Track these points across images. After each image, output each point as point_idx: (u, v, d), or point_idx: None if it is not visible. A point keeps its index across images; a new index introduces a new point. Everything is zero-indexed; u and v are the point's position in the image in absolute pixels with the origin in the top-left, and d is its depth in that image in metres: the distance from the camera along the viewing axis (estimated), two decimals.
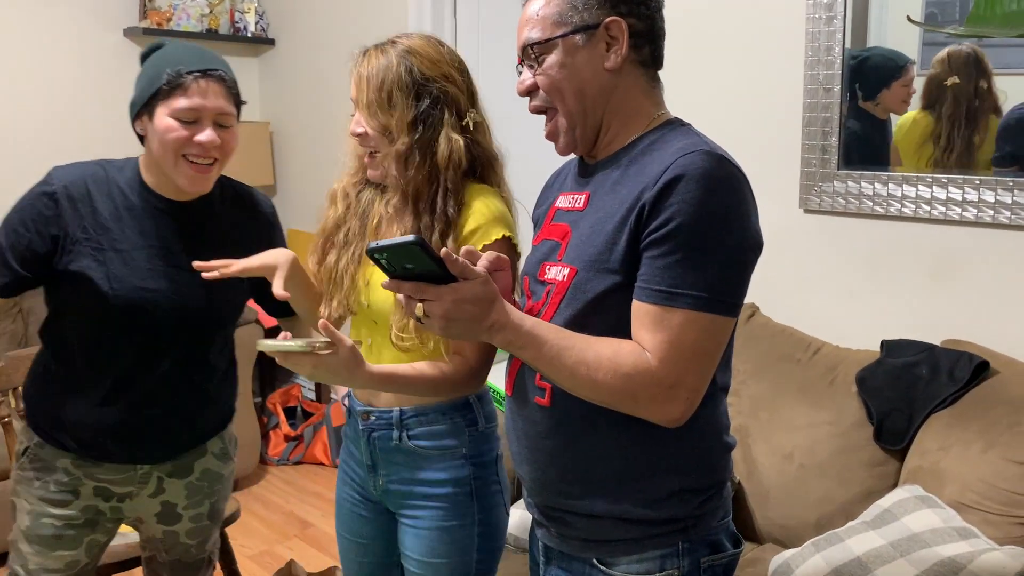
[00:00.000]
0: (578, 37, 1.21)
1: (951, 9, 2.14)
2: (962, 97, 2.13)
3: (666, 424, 1.14)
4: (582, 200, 1.27)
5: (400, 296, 1.14)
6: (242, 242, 1.65)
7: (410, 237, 1.03)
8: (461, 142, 1.51)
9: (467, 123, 1.53)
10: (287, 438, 3.80)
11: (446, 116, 1.50)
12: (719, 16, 2.52)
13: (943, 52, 2.14)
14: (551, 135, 1.29)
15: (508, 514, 1.65)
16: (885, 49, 2.25)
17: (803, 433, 2.12)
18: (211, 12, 3.98)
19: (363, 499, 1.66)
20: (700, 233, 1.09)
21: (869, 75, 2.27)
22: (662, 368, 1.09)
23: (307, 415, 3.91)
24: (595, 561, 1.25)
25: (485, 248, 1.43)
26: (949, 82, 2.13)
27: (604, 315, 1.16)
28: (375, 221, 1.58)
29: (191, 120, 1.53)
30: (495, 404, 2.49)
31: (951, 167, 2.16)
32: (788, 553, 1.89)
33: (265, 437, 3.75)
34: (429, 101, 1.49)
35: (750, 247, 1.14)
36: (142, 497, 1.73)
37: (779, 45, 2.40)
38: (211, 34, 3.99)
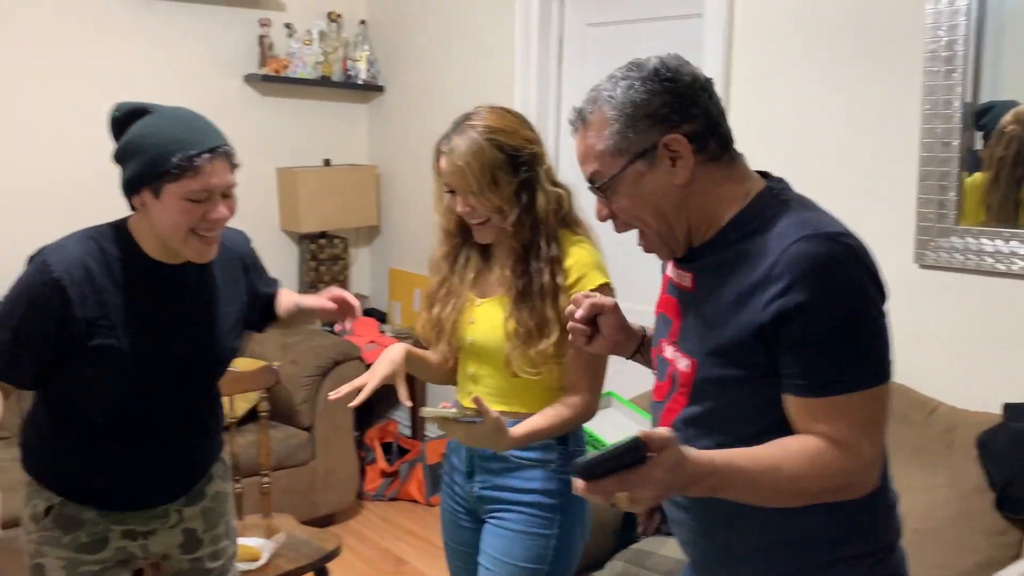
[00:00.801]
0: (640, 164, 1.19)
1: None
2: None
3: (859, 495, 1.15)
4: (689, 280, 1.26)
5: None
6: (234, 282, 1.78)
7: (627, 441, 0.98)
8: (557, 191, 1.71)
9: (547, 170, 1.70)
10: (383, 474, 3.87)
11: (538, 173, 1.68)
12: (832, 70, 2.50)
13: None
14: (648, 250, 1.29)
15: (585, 538, 1.78)
16: (1008, 101, 2.20)
17: (918, 496, 2.05)
18: (325, 60, 4.16)
19: (463, 509, 1.80)
20: (843, 319, 1.10)
21: (991, 128, 2.22)
22: (859, 454, 1.11)
23: (403, 451, 3.97)
24: None
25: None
26: None
27: (735, 407, 1.17)
28: (472, 275, 1.78)
29: (201, 200, 1.54)
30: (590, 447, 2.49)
31: None
32: None
33: (362, 472, 3.82)
34: (524, 168, 1.66)
35: (881, 316, 1.14)
36: (164, 530, 1.78)
37: (894, 98, 2.37)
38: (324, 81, 4.17)
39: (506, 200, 1.65)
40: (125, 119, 1.58)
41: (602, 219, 1.28)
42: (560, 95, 3.53)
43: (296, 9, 4.14)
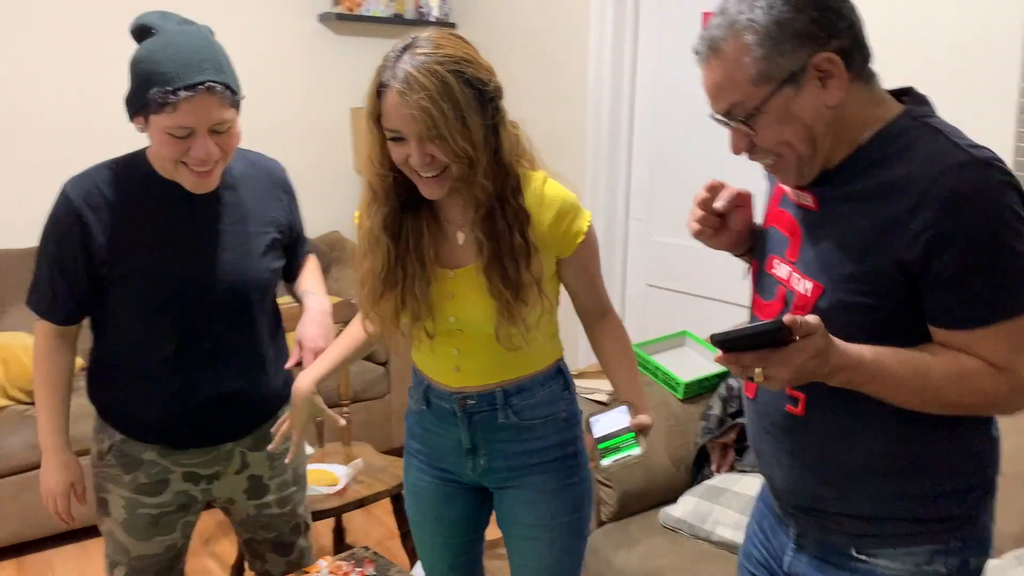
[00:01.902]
0: (788, 89, 1.11)
1: None
2: None
3: (1011, 413, 1.15)
4: (810, 200, 1.20)
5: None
6: (270, 205, 1.73)
7: (773, 322, 1.00)
8: (518, 131, 1.45)
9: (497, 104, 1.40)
10: None
11: (502, 112, 1.41)
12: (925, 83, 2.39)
13: None
14: (774, 171, 1.21)
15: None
16: None
17: (1007, 439, 1.99)
18: None
19: (451, 482, 1.67)
20: (997, 248, 1.06)
21: None
22: (1017, 377, 1.10)
23: None
24: (854, 552, 1.24)
25: (583, 242, 1.52)
26: None
27: (852, 335, 1.10)
28: (432, 250, 1.49)
29: (183, 136, 1.49)
30: (664, 385, 2.47)
31: None
32: (990, 564, 1.79)
33: None
34: (491, 105, 1.38)
35: None
36: (228, 475, 1.77)
37: (988, 114, 2.25)
38: (397, 19, 4.15)
39: (476, 145, 1.35)
40: (135, 34, 1.55)
41: (738, 152, 1.19)
42: (637, 31, 3.44)
43: None
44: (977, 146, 1.09)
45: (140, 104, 1.50)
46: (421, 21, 4.22)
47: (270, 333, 1.77)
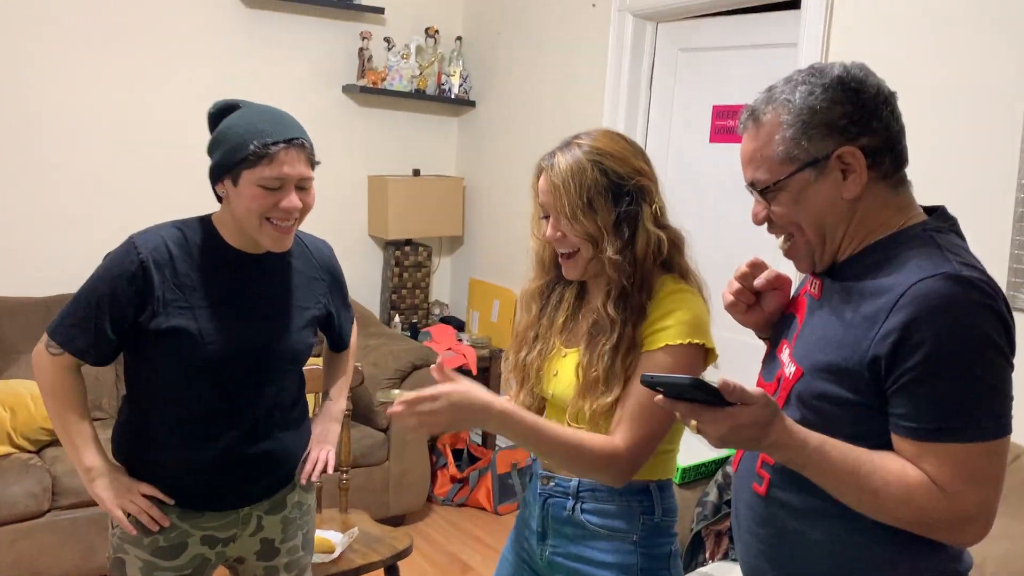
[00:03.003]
0: (808, 173, 1.15)
1: None
2: None
3: (961, 546, 1.12)
4: (817, 288, 1.24)
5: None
6: (315, 284, 1.83)
7: (686, 379, 1.04)
8: (660, 234, 1.50)
9: (656, 209, 1.51)
10: (453, 479, 3.94)
11: (643, 209, 1.50)
12: (928, 107, 2.48)
13: None
14: (790, 256, 1.25)
15: None
16: None
17: (999, 543, 2.01)
18: (421, 74, 4.29)
19: (526, 565, 1.66)
20: (959, 364, 1.05)
21: None
22: (957, 503, 1.07)
23: (473, 459, 4.04)
24: None
25: (668, 348, 1.42)
26: None
27: (824, 427, 1.13)
28: (562, 319, 1.62)
29: (275, 188, 1.61)
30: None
31: None
32: None
33: (433, 476, 3.90)
34: (628, 200, 1.49)
35: (1004, 367, 1.09)
36: (244, 538, 1.81)
37: (991, 135, 2.34)
38: (419, 94, 4.30)
39: (602, 229, 1.47)
40: (219, 114, 1.69)
41: (758, 223, 1.24)
42: (648, 119, 3.56)
43: (396, 23, 4.29)
44: (970, 265, 1.10)
45: (235, 162, 1.60)
46: (441, 98, 4.37)
47: (295, 399, 1.85)
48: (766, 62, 3.07)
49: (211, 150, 1.67)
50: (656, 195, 1.53)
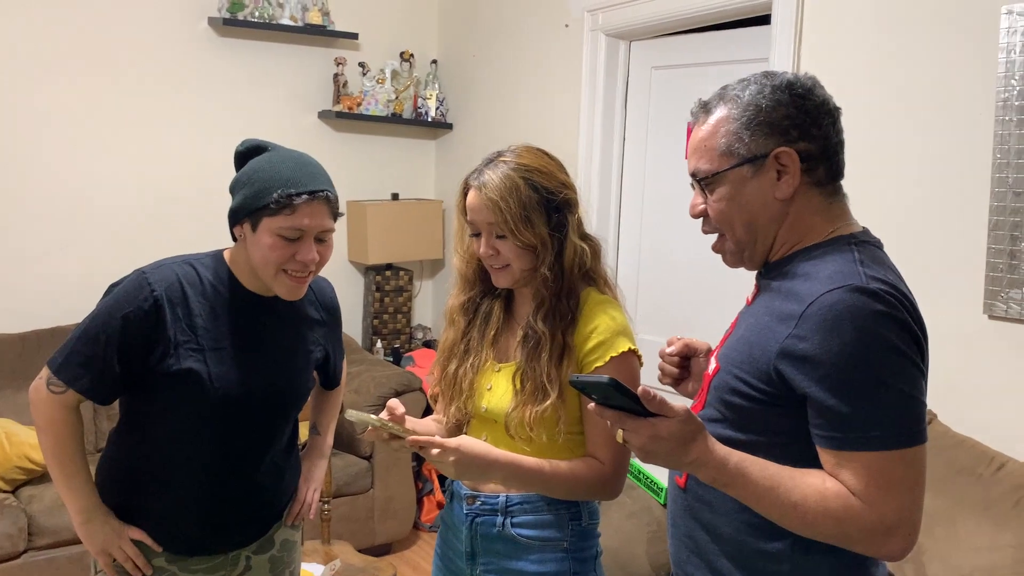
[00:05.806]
0: (746, 169, 1.19)
1: None
2: None
3: (889, 560, 1.13)
4: (753, 295, 1.30)
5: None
6: (315, 326, 1.81)
7: (604, 378, 1.06)
8: (584, 246, 1.57)
9: (579, 220, 1.58)
10: (440, 505, 3.90)
11: (570, 221, 1.56)
12: (902, 120, 2.49)
13: None
14: (717, 250, 1.29)
15: None
16: None
17: (984, 555, 1.99)
18: (397, 98, 4.28)
19: None
20: (867, 372, 1.07)
21: None
22: (874, 512, 1.07)
23: None
24: None
25: (612, 360, 1.50)
26: None
27: (738, 422, 1.17)
28: (492, 332, 1.64)
29: (294, 238, 1.57)
30: (647, 490, 2.48)
31: None
32: None
33: (419, 503, 3.86)
34: (557, 214, 1.55)
35: (914, 375, 1.10)
36: None
37: (965, 147, 2.34)
38: (395, 118, 4.29)
39: (539, 243, 1.53)
40: (247, 153, 1.66)
41: (695, 216, 1.27)
42: (624, 137, 3.57)
43: (370, 48, 4.29)
44: (879, 278, 1.12)
45: (256, 207, 1.57)
46: (417, 121, 4.36)
47: (290, 439, 1.84)
48: (738, 78, 3.08)
49: (233, 190, 1.63)
50: (578, 207, 1.59)
